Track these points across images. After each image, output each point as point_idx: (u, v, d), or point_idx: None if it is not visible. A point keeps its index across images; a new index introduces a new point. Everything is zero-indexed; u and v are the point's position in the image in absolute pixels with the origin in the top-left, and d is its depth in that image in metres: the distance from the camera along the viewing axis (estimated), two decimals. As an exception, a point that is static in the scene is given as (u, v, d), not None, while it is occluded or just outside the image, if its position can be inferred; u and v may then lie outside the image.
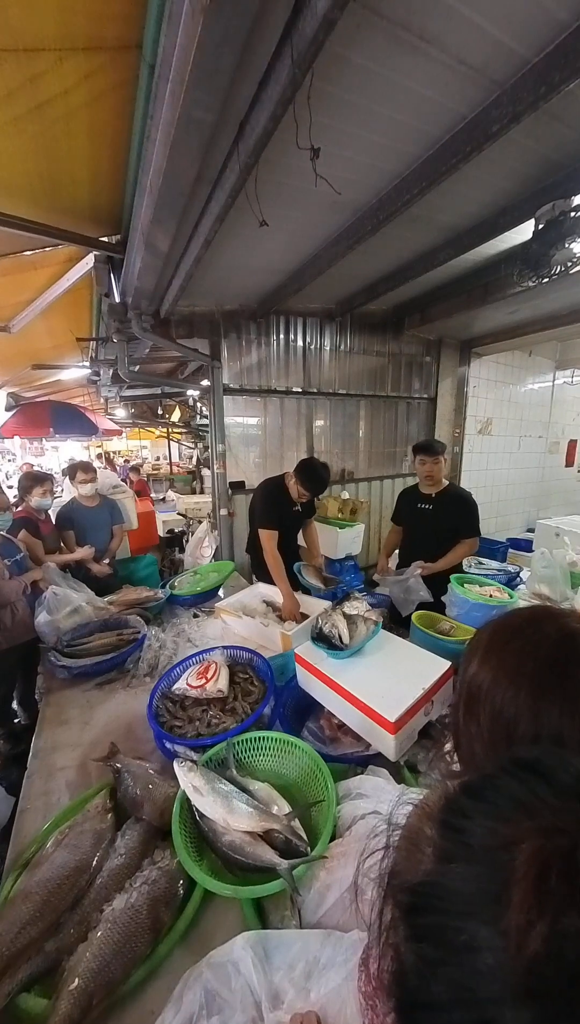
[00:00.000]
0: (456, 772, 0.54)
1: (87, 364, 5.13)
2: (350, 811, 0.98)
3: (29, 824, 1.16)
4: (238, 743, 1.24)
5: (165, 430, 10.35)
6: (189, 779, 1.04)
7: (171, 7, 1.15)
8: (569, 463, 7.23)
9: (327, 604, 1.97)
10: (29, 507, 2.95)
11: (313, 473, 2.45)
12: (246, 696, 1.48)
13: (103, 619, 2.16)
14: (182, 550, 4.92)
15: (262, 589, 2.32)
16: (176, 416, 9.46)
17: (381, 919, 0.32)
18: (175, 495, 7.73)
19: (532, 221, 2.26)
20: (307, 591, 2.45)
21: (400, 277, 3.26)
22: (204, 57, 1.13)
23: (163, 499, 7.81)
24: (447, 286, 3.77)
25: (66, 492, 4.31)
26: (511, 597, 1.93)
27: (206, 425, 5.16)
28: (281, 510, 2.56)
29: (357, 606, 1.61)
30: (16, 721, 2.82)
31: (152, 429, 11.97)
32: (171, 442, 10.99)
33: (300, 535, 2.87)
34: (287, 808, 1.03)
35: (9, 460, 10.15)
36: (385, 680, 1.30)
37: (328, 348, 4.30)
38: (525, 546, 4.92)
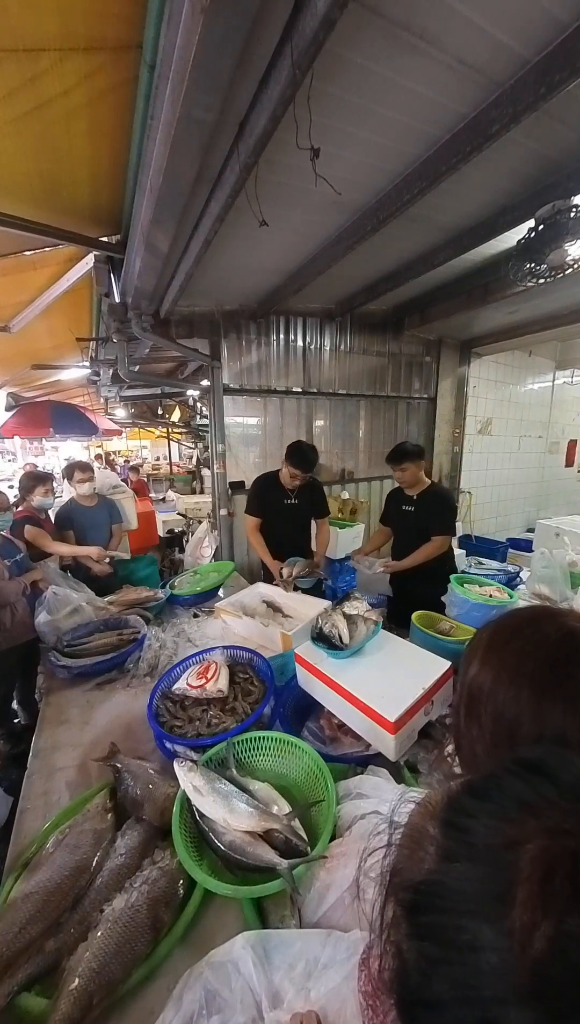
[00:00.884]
0: (458, 774, 0.54)
1: (87, 364, 5.13)
2: (350, 811, 0.98)
3: (29, 824, 1.15)
4: (238, 743, 1.24)
5: (165, 430, 10.35)
6: (189, 779, 1.04)
7: (171, 7, 1.15)
8: (569, 463, 7.23)
9: (327, 604, 1.97)
10: (30, 506, 2.96)
11: (295, 449, 2.60)
12: (246, 696, 1.48)
13: (103, 619, 2.16)
14: (182, 550, 4.92)
15: (262, 589, 2.32)
16: (176, 416, 9.45)
17: (382, 917, 0.32)
18: (175, 495, 7.72)
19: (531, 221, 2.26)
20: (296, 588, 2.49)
21: (400, 277, 3.26)
22: (204, 57, 1.13)
23: (163, 499, 7.80)
24: (447, 286, 3.76)
25: (65, 492, 4.31)
26: (511, 597, 1.94)
27: (206, 425, 5.15)
28: (266, 500, 2.74)
29: (357, 606, 1.61)
30: (16, 721, 2.82)
31: (152, 429, 11.96)
32: (171, 442, 10.99)
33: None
34: (287, 808, 1.03)
35: (9, 460, 10.15)
36: (385, 680, 1.30)
37: (328, 348, 4.30)
38: (525, 546, 4.92)
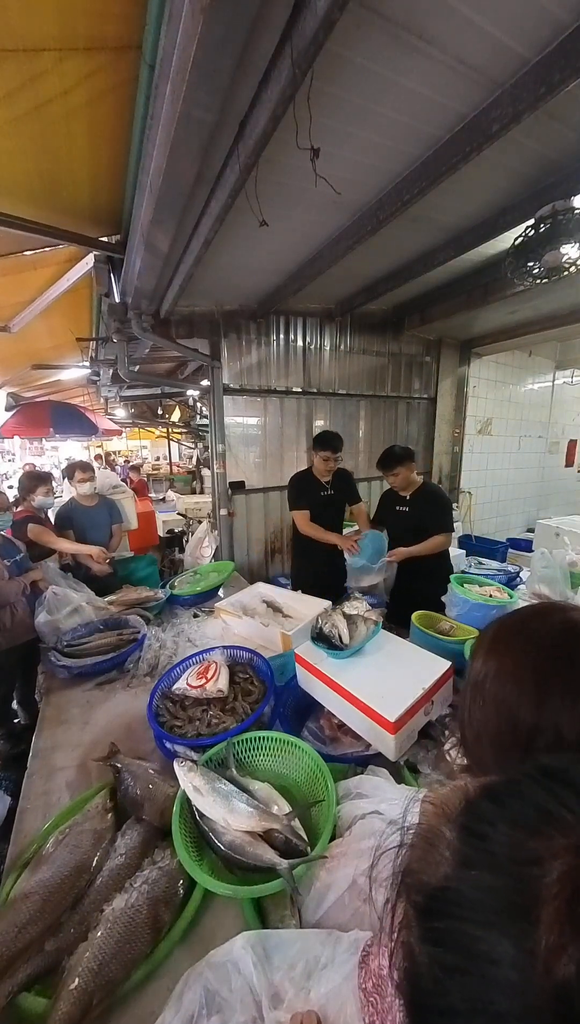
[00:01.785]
0: (464, 766, 0.55)
1: (87, 364, 5.13)
2: (350, 811, 0.98)
3: (29, 824, 1.16)
4: (238, 743, 1.24)
5: (165, 430, 10.34)
6: (189, 779, 1.04)
7: (171, 7, 1.15)
8: (569, 463, 7.23)
9: (327, 604, 1.97)
10: (31, 506, 2.96)
11: (321, 436, 2.84)
12: (246, 696, 1.48)
13: (103, 619, 2.16)
14: (182, 550, 4.91)
15: (262, 589, 2.32)
16: (176, 416, 9.45)
17: (393, 916, 0.32)
18: (175, 495, 7.71)
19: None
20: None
21: (400, 277, 3.26)
22: (204, 57, 1.12)
23: (163, 499, 7.80)
24: (447, 286, 3.77)
25: (65, 492, 4.31)
26: (511, 597, 1.94)
27: (206, 425, 5.15)
28: (307, 494, 2.89)
29: (357, 606, 1.61)
30: (16, 721, 2.82)
31: (152, 429, 11.96)
32: (171, 442, 10.98)
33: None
34: (287, 808, 1.03)
35: (9, 460, 10.15)
36: (385, 680, 1.30)
37: (328, 348, 4.30)
38: (525, 546, 4.93)
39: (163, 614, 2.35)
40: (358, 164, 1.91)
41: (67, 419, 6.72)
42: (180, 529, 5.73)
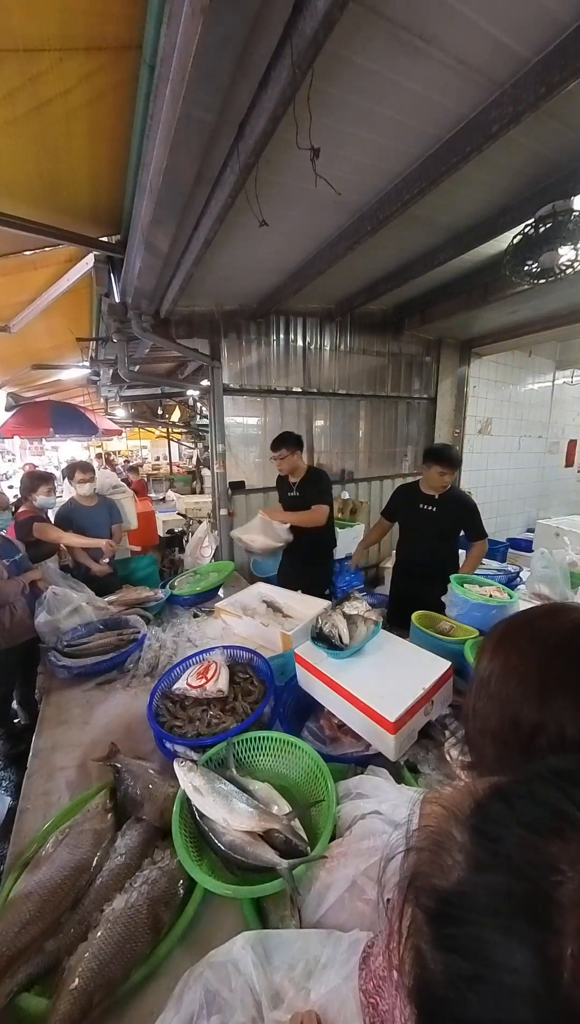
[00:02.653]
0: (468, 763, 0.55)
1: (87, 364, 5.13)
2: (350, 811, 0.98)
3: (29, 824, 1.15)
4: (238, 743, 1.24)
5: (165, 430, 10.34)
6: (189, 779, 1.04)
7: (171, 7, 1.15)
8: (569, 463, 7.23)
9: (327, 604, 1.97)
10: (32, 506, 2.96)
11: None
12: (246, 696, 1.48)
13: (103, 619, 2.16)
14: (182, 550, 4.92)
15: (262, 589, 2.32)
16: (176, 416, 9.45)
17: (401, 920, 0.31)
18: (175, 495, 7.71)
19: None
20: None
21: (400, 277, 3.26)
22: (204, 57, 1.13)
23: (163, 499, 7.79)
24: (447, 286, 3.77)
25: (65, 492, 4.31)
26: (511, 597, 1.93)
27: (206, 425, 5.15)
28: (280, 494, 3.11)
29: (357, 606, 1.61)
30: (16, 721, 2.82)
31: (152, 429, 11.96)
32: (171, 442, 10.98)
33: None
34: (287, 808, 1.03)
35: (9, 460, 10.15)
36: (385, 680, 1.30)
37: (328, 348, 4.30)
38: (525, 546, 4.93)
39: (163, 614, 2.35)
40: (358, 164, 1.91)
41: (67, 419, 6.72)
42: (180, 529, 5.73)
